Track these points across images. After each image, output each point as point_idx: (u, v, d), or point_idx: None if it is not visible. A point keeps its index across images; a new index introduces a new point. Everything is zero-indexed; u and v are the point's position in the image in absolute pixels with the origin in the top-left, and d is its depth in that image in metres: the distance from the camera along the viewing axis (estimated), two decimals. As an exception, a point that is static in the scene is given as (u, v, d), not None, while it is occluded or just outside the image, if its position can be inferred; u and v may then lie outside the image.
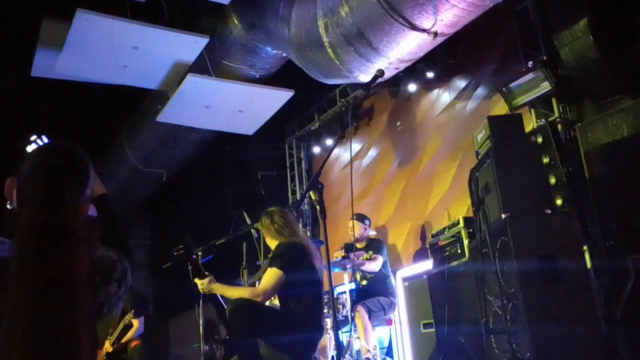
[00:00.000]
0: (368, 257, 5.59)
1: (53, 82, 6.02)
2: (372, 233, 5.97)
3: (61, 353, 1.16)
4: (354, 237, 5.63)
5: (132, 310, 5.48)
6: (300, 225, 7.93)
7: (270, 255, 3.74)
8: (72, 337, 1.19)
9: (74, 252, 1.27)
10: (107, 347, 5.46)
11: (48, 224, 1.27)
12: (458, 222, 4.97)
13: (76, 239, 1.30)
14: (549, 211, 3.76)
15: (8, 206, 1.50)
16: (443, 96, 6.59)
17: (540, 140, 4.62)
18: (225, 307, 3.70)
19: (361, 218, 5.92)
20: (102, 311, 1.50)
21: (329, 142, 8.02)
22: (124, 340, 5.46)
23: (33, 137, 1.49)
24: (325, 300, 4.06)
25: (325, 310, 4.40)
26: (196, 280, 3.77)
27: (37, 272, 1.21)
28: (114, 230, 1.76)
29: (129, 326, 5.50)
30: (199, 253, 5.15)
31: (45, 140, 1.55)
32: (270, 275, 3.57)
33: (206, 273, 3.74)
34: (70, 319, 1.20)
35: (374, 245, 5.74)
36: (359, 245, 5.81)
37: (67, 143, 1.57)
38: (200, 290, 3.77)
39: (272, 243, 3.88)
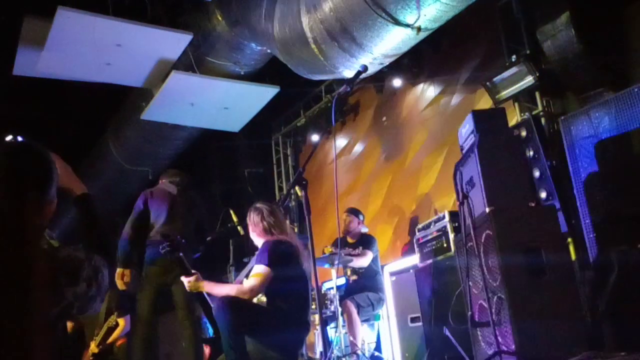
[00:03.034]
0: (357, 253, 5.59)
1: (35, 81, 5.96)
2: (364, 229, 5.97)
3: (12, 352, 1.16)
4: (340, 231, 5.63)
5: (116, 312, 5.45)
6: (288, 221, 7.92)
7: (257, 253, 3.73)
8: (25, 336, 1.18)
9: (30, 253, 1.26)
10: (93, 348, 5.44)
11: (3, 226, 1.26)
12: (443, 217, 4.98)
13: (32, 241, 1.29)
14: (533, 204, 3.78)
15: None
16: (428, 91, 6.60)
17: (524, 133, 4.64)
18: (212, 305, 3.69)
19: (355, 212, 5.93)
20: (72, 311, 1.49)
21: (315, 138, 8.02)
22: (110, 340, 5.43)
23: (9, 138, 1.47)
24: (312, 296, 4.07)
25: (313, 307, 4.40)
26: (182, 279, 3.76)
27: None
28: (93, 229, 1.75)
29: (114, 326, 5.47)
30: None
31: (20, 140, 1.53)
32: (258, 273, 3.56)
33: (192, 271, 3.73)
34: (24, 319, 1.19)
35: (365, 241, 5.74)
36: (350, 240, 5.81)
37: (28, 143, 1.54)
38: (187, 288, 3.75)
39: (259, 240, 3.87)
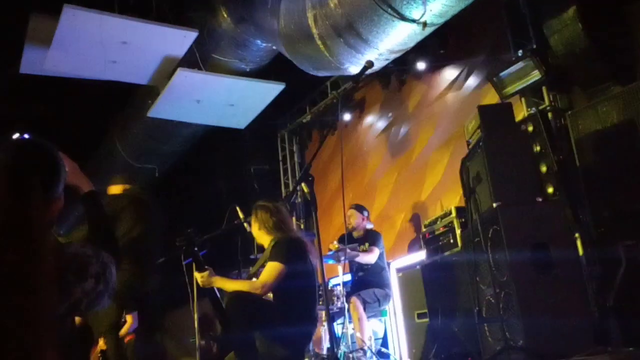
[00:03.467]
0: (363, 249, 5.59)
1: (42, 79, 5.98)
2: (369, 225, 5.97)
3: (19, 354, 1.16)
4: (346, 227, 5.63)
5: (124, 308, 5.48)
6: (294, 218, 7.94)
7: (270, 249, 3.73)
8: (32, 337, 1.19)
9: (35, 252, 1.27)
10: (101, 344, 5.46)
11: (9, 224, 1.27)
12: (450, 212, 4.97)
13: (38, 239, 1.29)
14: (540, 199, 3.77)
15: None
16: (434, 86, 6.58)
17: (530, 128, 4.62)
18: (222, 302, 3.71)
19: (360, 208, 5.92)
20: (81, 307, 1.49)
21: (321, 134, 8.01)
22: (118, 336, 5.45)
23: (16, 135, 1.48)
24: (320, 292, 4.08)
25: (320, 303, 4.41)
26: (196, 274, 3.77)
27: None
28: (100, 226, 1.76)
29: (122, 323, 5.49)
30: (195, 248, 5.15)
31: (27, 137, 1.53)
32: (272, 269, 3.58)
33: (206, 266, 3.74)
34: (30, 316, 1.20)
35: (371, 237, 5.74)
36: (355, 235, 5.82)
37: (35, 139, 1.55)
38: (200, 284, 3.77)
39: (266, 237, 3.87)
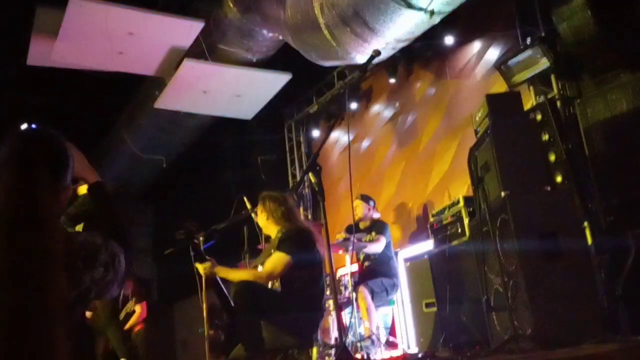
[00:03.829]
0: (370, 238, 5.59)
1: (49, 70, 5.99)
2: (376, 215, 5.97)
3: (31, 340, 1.17)
4: (354, 217, 5.62)
5: (134, 298, 5.52)
6: (301, 208, 7.94)
7: (278, 240, 3.73)
8: (43, 323, 1.19)
9: (45, 239, 1.27)
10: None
11: (19, 212, 1.28)
12: (458, 202, 4.96)
13: (48, 226, 1.30)
14: (549, 188, 3.74)
15: None
16: (441, 75, 6.55)
17: (539, 117, 4.60)
18: (227, 292, 3.72)
19: (366, 199, 5.92)
20: (90, 296, 1.50)
21: (328, 124, 7.99)
22: (127, 326, 5.50)
23: (24, 125, 1.48)
24: (327, 282, 4.08)
25: (328, 292, 4.42)
26: (197, 265, 3.78)
27: (7, 258, 1.22)
28: (108, 217, 1.76)
29: (132, 313, 5.54)
30: (200, 238, 5.16)
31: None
32: (278, 260, 3.58)
33: (207, 257, 3.75)
34: (42, 306, 1.20)
35: (377, 227, 5.74)
36: (362, 226, 5.81)
37: (43, 129, 1.55)
38: (203, 274, 3.78)
39: (274, 227, 3.87)
